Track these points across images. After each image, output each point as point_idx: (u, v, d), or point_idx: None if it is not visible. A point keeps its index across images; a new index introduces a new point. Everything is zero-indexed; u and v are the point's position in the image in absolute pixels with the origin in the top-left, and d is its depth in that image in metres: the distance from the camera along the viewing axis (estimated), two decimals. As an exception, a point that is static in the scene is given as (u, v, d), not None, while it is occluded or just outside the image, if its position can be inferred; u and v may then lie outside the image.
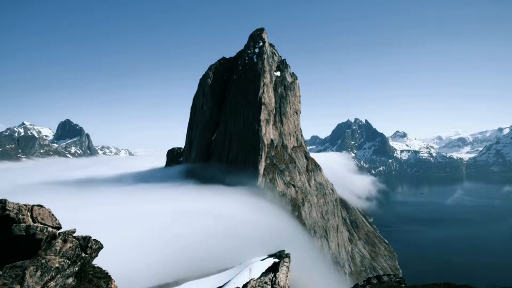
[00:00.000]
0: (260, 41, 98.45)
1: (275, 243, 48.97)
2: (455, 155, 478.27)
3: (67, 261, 7.54)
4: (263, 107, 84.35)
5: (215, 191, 72.60)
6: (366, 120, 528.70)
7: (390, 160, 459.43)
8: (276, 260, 32.68)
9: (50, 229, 7.37)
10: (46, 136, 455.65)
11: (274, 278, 22.76)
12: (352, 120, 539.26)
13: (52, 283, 6.88)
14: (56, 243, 7.51)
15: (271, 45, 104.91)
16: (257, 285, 20.96)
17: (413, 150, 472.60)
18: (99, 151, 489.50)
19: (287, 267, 25.29)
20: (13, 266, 6.43)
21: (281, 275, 23.42)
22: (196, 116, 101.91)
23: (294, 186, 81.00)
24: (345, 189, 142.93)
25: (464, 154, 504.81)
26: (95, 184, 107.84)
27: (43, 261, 6.90)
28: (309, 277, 50.38)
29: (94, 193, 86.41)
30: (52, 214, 7.69)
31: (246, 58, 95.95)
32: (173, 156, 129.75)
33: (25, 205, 7.14)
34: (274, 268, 24.83)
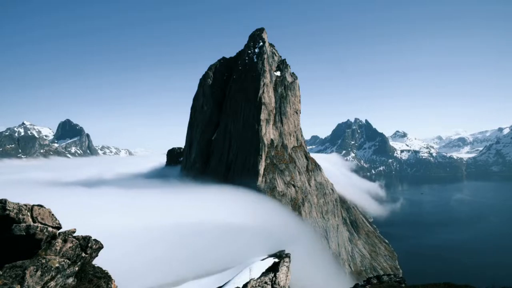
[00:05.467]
0: (260, 41, 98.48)
1: (277, 241, 49.01)
2: (455, 155, 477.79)
3: (67, 261, 7.54)
4: (263, 107, 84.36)
5: (216, 191, 72.63)
6: (366, 120, 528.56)
7: (390, 160, 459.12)
8: (276, 260, 32.70)
9: (50, 229, 7.36)
10: (46, 136, 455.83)
11: (274, 278, 22.77)
12: (352, 120, 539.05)
13: (52, 283, 6.88)
14: (56, 243, 7.50)
15: (271, 45, 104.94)
16: (257, 285, 20.97)
17: (413, 150, 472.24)
18: (99, 151, 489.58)
19: (287, 267, 25.30)
20: (13, 266, 6.43)
21: (281, 275, 23.42)
22: (196, 116, 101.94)
23: (294, 186, 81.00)
24: (345, 189, 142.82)
25: (464, 154, 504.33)
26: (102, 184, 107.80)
27: (43, 261, 6.89)
28: (311, 275, 50.35)
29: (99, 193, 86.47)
30: (52, 214, 7.68)
31: (246, 58, 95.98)
32: (173, 155, 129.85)
33: (25, 205, 7.14)
34: (274, 268, 24.83)
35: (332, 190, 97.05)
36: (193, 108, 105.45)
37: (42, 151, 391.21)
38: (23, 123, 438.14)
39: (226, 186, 75.14)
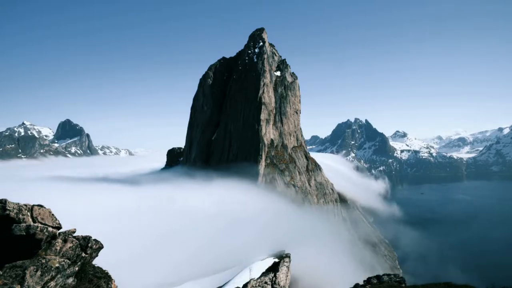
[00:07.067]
0: (260, 41, 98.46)
1: (278, 241, 48.96)
2: (455, 155, 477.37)
3: (67, 261, 7.54)
4: (263, 107, 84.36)
5: (215, 191, 72.63)
6: (366, 120, 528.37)
7: (390, 160, 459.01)
8: (276, 260, 32.70)
9: (50, 229, 7.36)
10: (46, 136, 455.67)
11: (274, 278, 22.77)
12: (352, 120, 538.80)
13: (52, 283, 6.88)
14: (56, 243, 7.50)
15: (271, 45, 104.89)
16: (257, 285, 20.97)
17: (413, 150, 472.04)
18: (99, 151, 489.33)
19: (287, 267, 25.30)
20: (13, 266, 6.43)
21: (281, 275, 23.43)
22: (196, 116, 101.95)
23: (294, 186, 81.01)
24: (345, 189, 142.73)
25: (464, 154, 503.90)
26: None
27: (43, 261, 6.89)
28: (315, 273, 50.20)
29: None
30: (52, 214, 7.68)
31: (246, 58, 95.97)
32: (173, 156, 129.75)
33: (25, 205, 7.14)
34: (274, 268, 24.84)
35: (332, 190, 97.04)
36: (193, 108, 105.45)
37: (42, 151, 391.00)
38: (23, 123, 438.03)
39: (225, 186, 75.16)
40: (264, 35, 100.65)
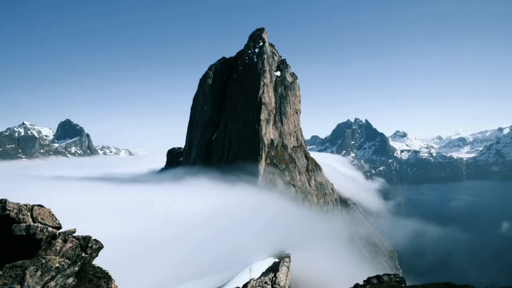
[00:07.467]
0: (260, 41, 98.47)
1: (278, 241, 48.97)
2: (455, 155, 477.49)
3: (67, 261, 7.54)
4: (263, 107, 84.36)
5: (215, 191, 72.63)
6: (366, 120, 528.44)
7: (390, 160, 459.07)
8: (276, 260, 32.73)
9: (50, 229, 7.36)
10: (46, 136, 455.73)
11: (274, 278, 22.79)
12: (352, 120, 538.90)
13: (52, 283, 6.88)
14: (56, 243, 7.50)
15: (271, 45, 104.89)
16: (257, 285, 20.98)
17: (413, 150, 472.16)
18: (99, 151, 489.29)
19: (287, 267, 25.31)
20: (13, 266, 6.43)
21: (281, 275, 23.44)
22: (196, 116, 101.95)
23: (294, 186, 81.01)
24: (345, 189, 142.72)
25: (464, 154, 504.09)
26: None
27: (43, 261, 6.89)
28: (316, 273, 50.14)
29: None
30: (52, 214, 7.68)
31: (246, 58, 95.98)
32: (173, 156, 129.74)
33: (25, 205, 7.14)
34: (274, 268, 24.86)
35: (332, 190, 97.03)
36: (193, 108, 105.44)
37: (42, 151, 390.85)
38: (23, 123, 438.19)
39: (225, 186, 75.20)
40: (264, 35, 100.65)
